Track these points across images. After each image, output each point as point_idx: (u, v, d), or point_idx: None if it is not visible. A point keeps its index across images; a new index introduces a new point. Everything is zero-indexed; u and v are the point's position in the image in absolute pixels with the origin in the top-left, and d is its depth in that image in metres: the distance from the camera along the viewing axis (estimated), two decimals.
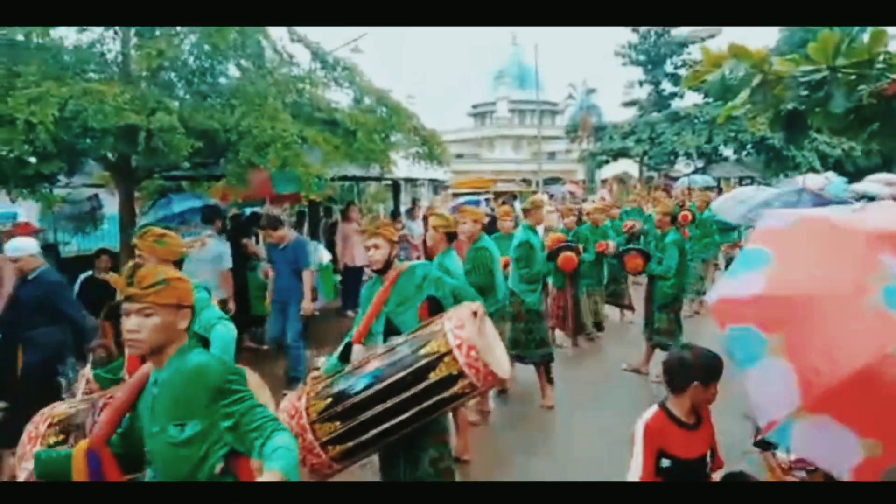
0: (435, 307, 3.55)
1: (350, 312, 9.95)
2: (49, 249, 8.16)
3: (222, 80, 7.75)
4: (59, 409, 2.94)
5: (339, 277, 10.09)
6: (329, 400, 2.96)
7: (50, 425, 2.82)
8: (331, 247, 10.33)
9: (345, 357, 3.56)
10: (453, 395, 2.89)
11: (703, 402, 2.65)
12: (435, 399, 2.90)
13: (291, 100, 7.63)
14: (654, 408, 2.70)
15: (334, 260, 10.00)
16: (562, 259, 7.14)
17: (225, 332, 3.13)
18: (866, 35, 3.01)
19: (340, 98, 8.52)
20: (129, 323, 2.03)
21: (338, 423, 2.90)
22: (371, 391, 2.91)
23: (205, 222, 7.57)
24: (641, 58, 28.18)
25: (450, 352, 2.85)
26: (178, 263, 3.33)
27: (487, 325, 3.24)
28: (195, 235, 7.34)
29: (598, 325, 8.38)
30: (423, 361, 2.90)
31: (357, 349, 3.54)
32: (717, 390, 2.61)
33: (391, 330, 3.53)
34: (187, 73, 7.42)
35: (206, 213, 7.68)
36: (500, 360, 3.14)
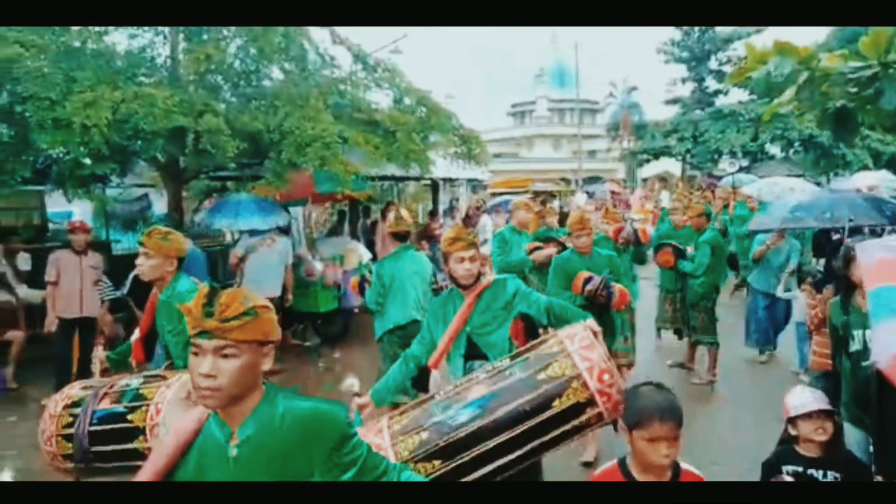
0: (530, 327, 3.22)
1: None
2: (102, 247, 8.48)
3: (266, 82, 7.95)
4: (75, 390, 3.09)
5: None
6: (424, 435, 2.44)
7: (65, 406, 2.96)
8: (370, 246, 10.46)
9: (418, 384, 3.17)
10: (578, 426, 2.45)
11: (647, 455, 2.04)
12: (558, 432, 2.44)
13: (333, 101, 7.77)
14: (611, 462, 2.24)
15: (374, 259, 10.12)
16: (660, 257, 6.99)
17: None
18: None
19: (381, 99, 8.64)
20: (203, 366, 1.54)
21: (437, 461, 2.39)
22: (480, 423, 2.42)
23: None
24: (684, 55, 27.57)
25: (578, 376, 2.43)
26: (180, 261, 3.46)
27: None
28: (260, 237, 7.53)
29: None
30: (545, 388, 2.44)
31: (435, 375, 3.12)
32: (666, 444, 2.00)
33: (472, 353, 3.15)
34: (233, 76, 7.64)
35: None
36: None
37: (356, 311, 8.58)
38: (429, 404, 2.61)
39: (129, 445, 2.84)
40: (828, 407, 2.80)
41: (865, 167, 21.68)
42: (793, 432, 2.84)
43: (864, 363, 2.99)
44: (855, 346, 3.15)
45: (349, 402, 2.86)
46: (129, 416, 2.88)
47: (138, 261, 3.40)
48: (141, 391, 2.96)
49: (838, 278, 3.81)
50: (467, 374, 2.92)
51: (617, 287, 4.61)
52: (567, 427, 2.44)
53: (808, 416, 2.78)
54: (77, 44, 6.72)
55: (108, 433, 2.86)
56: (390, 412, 2.71)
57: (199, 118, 6.31)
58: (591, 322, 2.70)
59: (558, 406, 2.41)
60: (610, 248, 5.73)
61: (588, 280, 4.61)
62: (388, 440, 2.45)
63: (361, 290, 6.14)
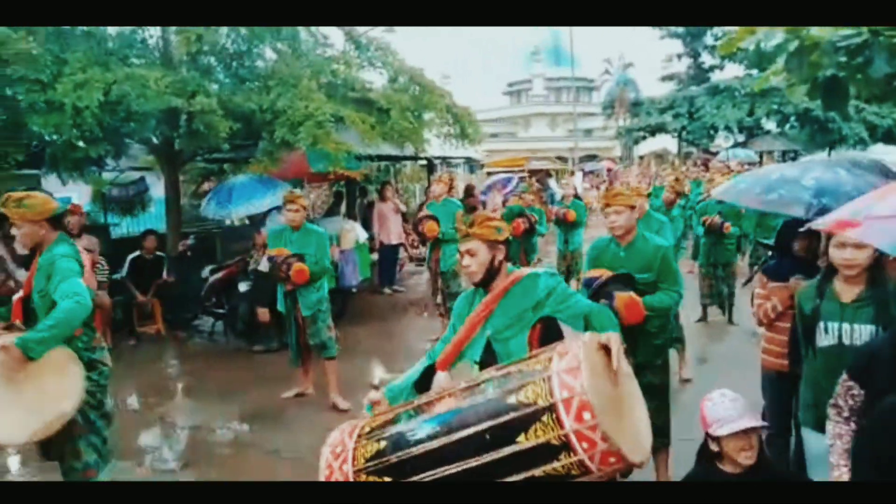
0: (553, 333, 2.51)
1: (387, 290, 10.12)
2: (100, 231, 8.49)
3: (259, 63, 7.90)
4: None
5: (375, 256, 10.24)
6: (382, 444, 2.03)
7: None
8: (367, 226, 10.47)
9: (423, 385, 2.62)
10: (552, 473, 1.80)
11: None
12: (525, 475, 1.82)
13: (326, 80, 7.73)
14: None
15: (371, 239, 10.14)
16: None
17: (74, 309, 3.01)
18: None
19: (374, 78, 8.60)
20: None
21: (387, 478, 1.98)
22: (438, 444, 1.92)
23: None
24: (680, 30, 27.43)
25: (552, 407, 1.78)
26: (55, 223, 3.28)
27: (626, 374, 2.04)
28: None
29: None
30: (512, 415, 1.83)
31: (441, 378, 2.60)
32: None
33: (492, 361, 2.47)
34: (226, 57, 7.59)
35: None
36: (634, 433, 1.93)
37: (354, 290, 8.62)
38: (402, 410, 2.19)
39: None
40: (758, 423, 2.36)
41: (861, 140, 21.65)
42: (714, 448, 2.38)
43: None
44: (827, 341, 2.65)
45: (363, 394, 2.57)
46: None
47: (13, 231, 3.23)
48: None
49: (808, 263, 3.33)
50: None
51: (622, 297, 3.39)
52: (537, 472, 1.81)
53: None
54: (67, 25, 6.67)
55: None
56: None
57: (192, 99, 6.29)
58: (613, 336, 2.00)
59: (523, 443, 1.81)
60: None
61: (592, 281, 3.61)
62: (353, 442, 2.08)
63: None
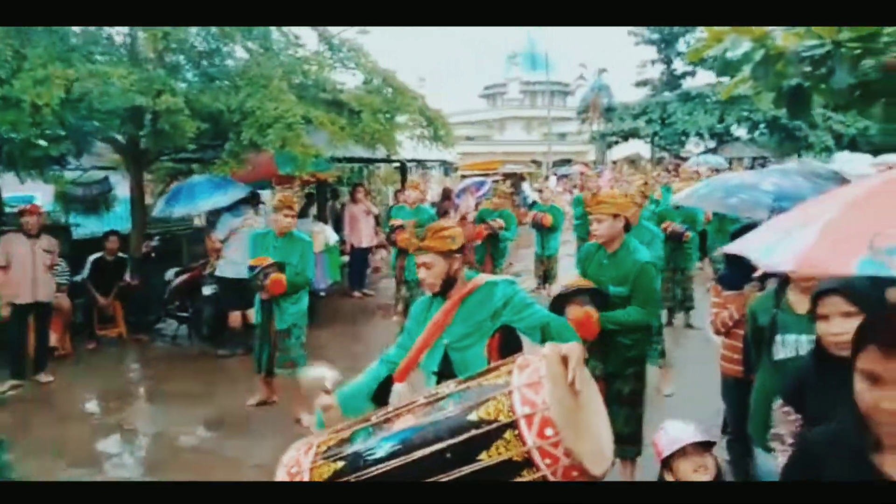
0: (512, 342, 2.47)
1: (356, 293, 10.03)
2: (61, 231, 8.27)
3: (229, 62, 7.76)
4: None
5: (346, 259, 10.15)
6: (339, 464, 1.96)
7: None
8: (339, 228, 10.37)
9: (380, 397, 2.51)
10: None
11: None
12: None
13: (297, 81, 7.63)
14: None
15: (342, 241, 10.04)
16: None
17: None
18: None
19: (347, 79, 8.52)
20: None
21: None
22: (397, 464, 1.86)
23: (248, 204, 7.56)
24: (654, 37, 27.78)
25: (513, 424, 1.75)
26: None
27: (588, 384, 2.01)
28: (240, 217, 7.23)
29: None
30: (473, 433, 1.80)
31: (398, 389, 2.50)
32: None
33: (448, 371, 2.44)
34: (194, 55, 7.45)
35: (253, 197, 7.72)
36: (596, 445, 1.90)
37: (322, 294, 8.52)
38: (359, 427, 2.08)
39: None
40: (704, 438, 2.31)
41: (827, 148, 22.17)
42: (670, 478, 2.32)
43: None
44: (783, 354, 2.52)
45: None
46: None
47: None
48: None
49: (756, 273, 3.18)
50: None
51: (574, 311, 3.35)
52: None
53: (682, 453, 2.29)
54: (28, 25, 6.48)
55: None
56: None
57: (158, 98, 6.14)
58: (574, 346, 1.96)
59: (485, 460, 1.77)
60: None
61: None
62: (309, 462, 2.00)
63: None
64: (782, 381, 2.25)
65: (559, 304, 3.46)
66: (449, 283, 2.51)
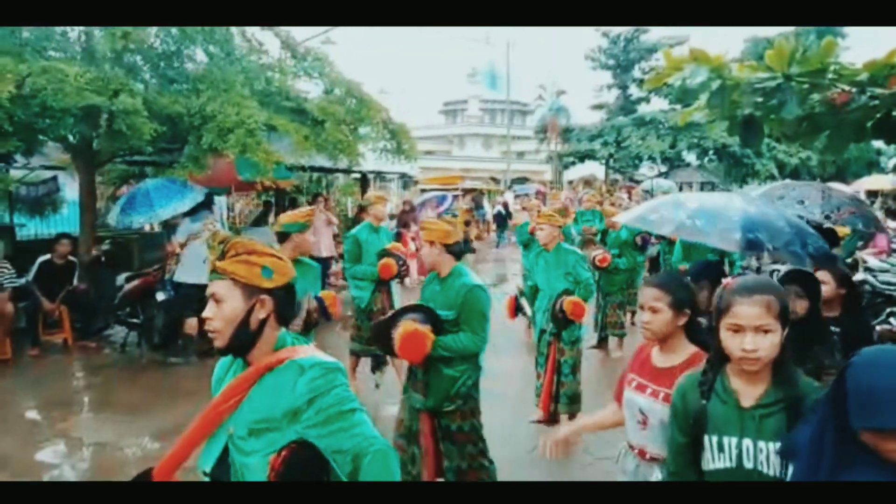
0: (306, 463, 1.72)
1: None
2: (4, 231, 7.94)
3: (189, 65, 7.65)
4: None
5: None
6: None
7: None
8: None
9: None
10: None
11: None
12: None
13: (260, 88, 7.57)
14: None
15: None
16: None
17: None
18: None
19: (310, 88, 8.49)
20: None
21: None
22: None
23: (205, 208, 7.40)
24: (611, 62, 28.62)
25: None
26: None
27: None
28: (201, 221, 7.05)
29: None
30: None
31: None
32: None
33: (225, 476, 1.71)
34: (153, 56, 7.32)
35: (207, 200, 7.54)
36: None
37: None
38: None
39: None
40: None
41: (771, 176, 23.20)
42: None
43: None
44: (721, 463, 1.79)
45: None
46: None
47: None
48: None
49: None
50: None
51: (405, 326, 3.18)
52: None
53: None
54: None
55: None
56: None
57: (115, 98, 6.01)
58: None
59: None
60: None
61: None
62: None
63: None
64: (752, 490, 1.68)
65: (393, 322, 3.26)
66: (245, 337, 1.64)
